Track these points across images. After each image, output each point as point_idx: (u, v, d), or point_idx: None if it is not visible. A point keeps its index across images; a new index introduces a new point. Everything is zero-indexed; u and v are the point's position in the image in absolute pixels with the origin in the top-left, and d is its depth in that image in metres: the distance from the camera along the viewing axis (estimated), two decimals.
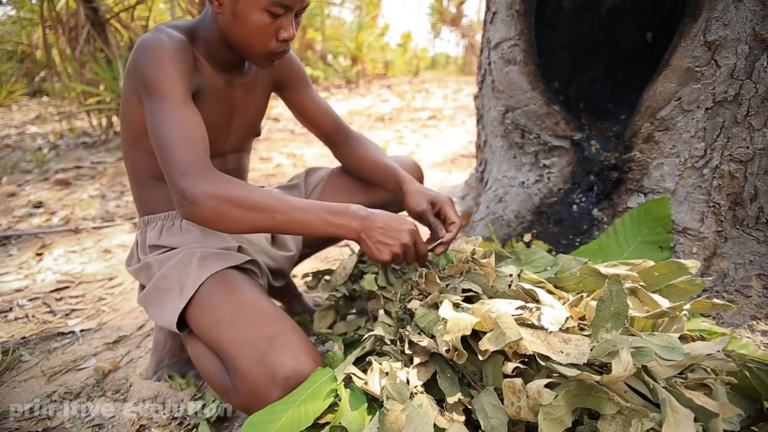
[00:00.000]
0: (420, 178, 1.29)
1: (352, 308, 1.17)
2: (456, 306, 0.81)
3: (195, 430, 0.99)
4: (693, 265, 0.83)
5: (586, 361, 0.62)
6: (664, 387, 0.60)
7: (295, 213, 0.84)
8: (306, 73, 1.17)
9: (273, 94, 1.17)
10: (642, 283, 0.81)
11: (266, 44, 0.91)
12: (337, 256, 1.87)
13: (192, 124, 0.84)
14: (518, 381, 0.63)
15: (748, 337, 1.05)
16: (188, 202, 0.79)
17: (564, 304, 0.80)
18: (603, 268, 0.83)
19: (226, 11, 0.88)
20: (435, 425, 0.67)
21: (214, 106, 0.99)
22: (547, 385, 0.61)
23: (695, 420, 0.55)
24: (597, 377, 0.59)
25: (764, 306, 1.11)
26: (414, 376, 0.75)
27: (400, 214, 0.98)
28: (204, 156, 0.83)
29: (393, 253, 0.90)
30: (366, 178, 1.19)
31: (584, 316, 0.75)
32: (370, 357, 0.84)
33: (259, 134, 1.15)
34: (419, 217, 1.03)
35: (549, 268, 0.99)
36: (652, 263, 0.86)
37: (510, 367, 0.67)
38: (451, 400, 0.71)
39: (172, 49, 0.87)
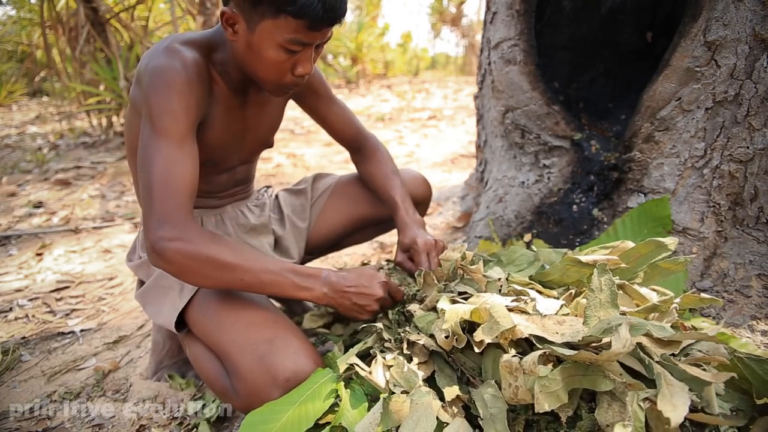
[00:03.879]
0: (427, 194, 1.31)
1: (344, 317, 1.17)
2: (453, 302, 0.82)
3: (195, 430, 0.99)
4: (671, 242, 0.83)
5: (581, 339, 0.63)
6: (657, 362, 0.60)
7: (264, 275, 0.82)
8: (326, 81, 1.15)
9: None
10: (623, 265, 0.82)
11: (281, 79, 0.86)
12: (335, 257, 1.87)
13: (181, 169, 0.81)
14: (515, 359, 0.64)
15: (748, 337, 1.05)
16: (156, 254, 0.77)
17: None
18: (583, 257, 0.84)
19: (240, 40, 0.83)
20: (437, 419, 0.67)
21: (227, 126, 0.97)
22: (543, 364, 0.61)
23: (689, 390, 0.56)
24: (596, 356, 0.59)
25: (764, 306, 1.11)
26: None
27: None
28: (185, 205, 0.80)
29: (370, 311, 0.90)
30: (372, 193, 1.22)
31: (576, 315, 0.76)
32: (372, 350, 0.84)
33: (271, 146, 1.14)
34: (403, 268, 1.06)
35: (531, 263, 1.00)
36: (631, 244, 0.86)
37: (507, 357, 0.67)
38: (449, 395, 0.71)
39: (184, 80, 0.82)
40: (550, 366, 0.61)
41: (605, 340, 0.62)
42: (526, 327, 0.67)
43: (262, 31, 0.79)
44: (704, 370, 0.63)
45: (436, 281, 0.92)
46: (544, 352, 0.64)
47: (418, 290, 0.96)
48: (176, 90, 0.82)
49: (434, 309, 0.87)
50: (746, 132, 1.11)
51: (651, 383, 0.61)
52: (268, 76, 0.86)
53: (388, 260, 1.19)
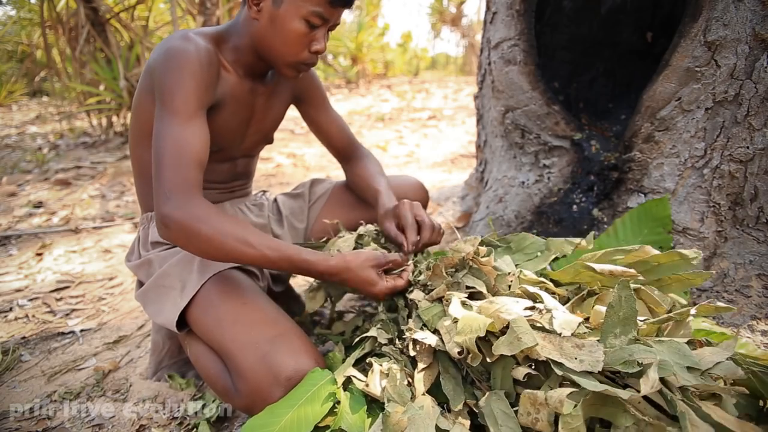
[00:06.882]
0: (424, 198, 1.31)
1: (342, 289, 1.16)
2: (462, 304, 0.80)
3: (195, 430, 0.99)
4: (695, 255, 0.82)
5: (600, 369, 0.61)
6: (681, 399, 0.59)
7: (263, 261, 0.84)
8: (324, 90, 1.20)
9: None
10: (640, 277, 0.81)
11: (298, 54, 0.92)
12: None
13: (190, 145, 0.84)
14: (540, 393, 0.62)
15: (748, 337, 1.05)
16: (164, 227, 0.81)
17: (566, 305, 0.79)
18: (598, 266, 0.83)
19: (263, 17, 0.90)
20: (438, 426, 0.67)
21: (234, 113, 1.01)
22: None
23: None
24: (623, 393, 0.58)
25: (764, 306, 1.11)
26: (419, 382, 0.74)
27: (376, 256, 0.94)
28: (193, 179, 0.83)
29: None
30: (359, 197, 1.22)
31: (588, 318, 0.75)
32: (369, 358, 0.83)
33: (271, 142, 1.17)
34: (388, 235, 1.03)
35: (541, 253, 0.99)
36: (651, 249, 0.85)
37: (521, 372, 0.66)
38: (456, 407, 0.70)
39: (196, 62, 0.87)
40: (573, 402, 0.59)
41: (624, 370, 0.61)
42: (543, 348, 0.65)
43: (289, 4, 0.87)
44: (720, 396, 0.62)
45: (444, 273, 0.90)
46: (562, 380, 0.62)
47: (419, 272, 0.94)
48: (189, 71, 0.86)
49: (440, 300, 0.86)
50: (746, 132, 1.11)
51: (670, 413, 0.60)
52: (287, 50, 0.92)
53: (376, 229, 1.13)
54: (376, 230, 1.10)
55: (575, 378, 0.61)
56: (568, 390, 0.60)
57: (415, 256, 1.02)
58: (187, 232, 0.80)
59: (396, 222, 1.02)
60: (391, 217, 1.03)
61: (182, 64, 0.86)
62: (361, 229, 1.11)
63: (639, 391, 0.59)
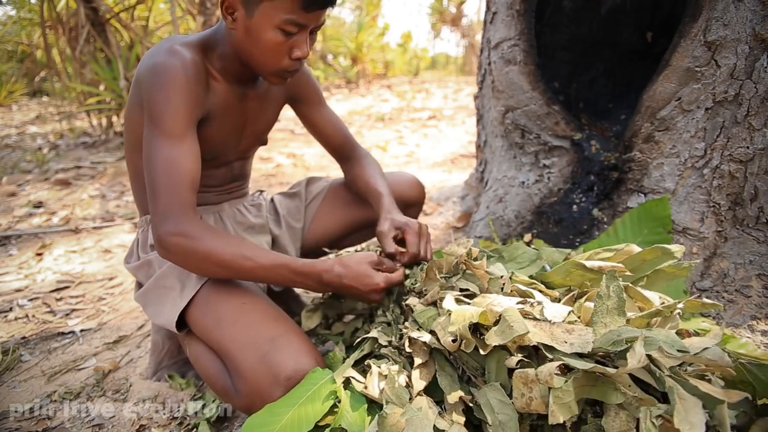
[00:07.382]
0: (420, 196, 1.31)
1: (339, 308, 1.16)
2: (457, 301, 0.81)
3: (195, 430, 0.99)
4: (678, 249, 0.83)
5: (590, 350, 0.62)
6: (669, 376, 0.60)
7: (260, 271, 0.86)
8: (320, 89, 1.19)
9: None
10: (628, 273, 0.82)
11: (279, 62, 0.89)
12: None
13: (182, 166, 0.84)
14: (531, 371, 0.63)
15: (748, 337, 1.05)
16: (162, 248, 0.83)
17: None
18: (588, 263, 0.83)
19: (239, 27, 0.87)
20: (435, 427, 0.67)
21: (228, 120, 1.00)
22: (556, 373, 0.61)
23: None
24: (611, 370, 0.59)
25: (764, 306, 1.11)
26: (416, 380, 0.75)
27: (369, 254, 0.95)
28: (187, 201, 0.84)
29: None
30: (358, 196, 1.22)
31: (579, 316, 0.75)
32: (368, 360, 0.84)
33: (265, 143, 1.17)
34: (381, 240, 1.01)
35: (533, 262, 0.99)
36: (636, 248, 0.86)
37: (514, 360, 0.67)
38: (451, 398, 0.70)
39: (183, 79, 0.86)
40: (563, 378, 0.60)
41: (614, 350, 0.62)
42: (534, 334, 0.66)
43: (261, 15, 0.83)
44: (709, 378, 0.63)
45: (438, 276, 0.91)
46: (558, 362, 0.63)
47: (415, 281, 0.95)
48: (176, 88, 0.85)
49: (434, 304, 0.87)
50: (746, 132, 1.11)
51: (657, 390, 0.61)
52: (266, 60, 0.89)
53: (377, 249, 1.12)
54: (377, 249, 1.10)
55: (567, 360, 0.62)
56: (557, 363, 0.61)
57: (411, 268, 1.03)
58: (185, 251, 0.82)
59: (397, 238, 1.00)
60: (391, 231, 1.00)
61: (169, 81, 0.84)
62: (358, 248, 1.12)
63: (629, 374, 0.60)
